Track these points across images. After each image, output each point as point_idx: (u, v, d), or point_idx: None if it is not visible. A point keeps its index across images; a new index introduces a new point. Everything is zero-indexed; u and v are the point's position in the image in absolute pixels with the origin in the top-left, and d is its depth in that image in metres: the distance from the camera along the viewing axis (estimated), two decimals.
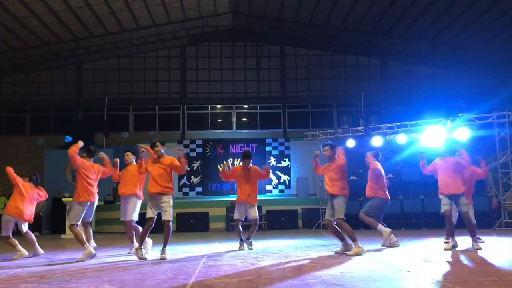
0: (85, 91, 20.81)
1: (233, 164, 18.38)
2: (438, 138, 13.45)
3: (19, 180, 7.35)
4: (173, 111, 20.87)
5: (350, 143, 14.87)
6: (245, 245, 7.50)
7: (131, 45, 20.37)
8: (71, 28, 17.70)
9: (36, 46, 18.76)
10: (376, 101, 20.06)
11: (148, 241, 6.85)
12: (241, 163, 7.95)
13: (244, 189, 7.71)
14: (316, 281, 4.08)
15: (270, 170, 8.40)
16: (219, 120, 21.29)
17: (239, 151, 18.87)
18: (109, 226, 14.75)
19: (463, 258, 5.82)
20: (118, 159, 7.47)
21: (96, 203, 6.96)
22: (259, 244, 8.13)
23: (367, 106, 17.98)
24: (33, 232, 15.24)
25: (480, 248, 6.59)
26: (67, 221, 13.02)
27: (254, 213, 7.74)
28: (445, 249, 6.65)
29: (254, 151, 18.72)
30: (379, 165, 7.88)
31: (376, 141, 14.22)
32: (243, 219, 7.75)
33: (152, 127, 20.65)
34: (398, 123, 14.41)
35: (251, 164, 7.89)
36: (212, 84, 21.13)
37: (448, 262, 5.48)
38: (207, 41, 21.15)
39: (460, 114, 13.41)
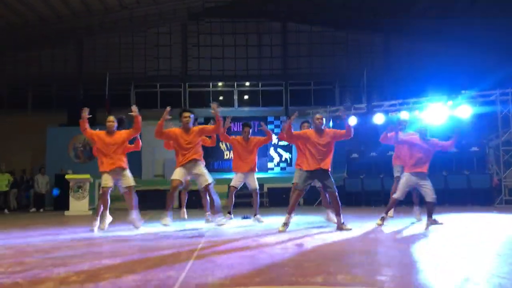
0: (86, 69, 20.69)
1: None
2: (440, 115, 13.43)
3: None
4: (175, 88, 20.78)
5: (352, 120, 14.85)
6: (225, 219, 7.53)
7: (131, 22, 20.15)
8: (71, 5, 17.49)
9: (36, 23, 18.58)
10: (378, 78, 19.93)
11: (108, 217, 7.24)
12: (241, 135, 8.07)
13: (244, 160, 7.81)
14: (317, 256, 4.13)
15: (273, 137, 8.54)
16: (220, 97, 21.20)
17: (240, 129, 18.86)
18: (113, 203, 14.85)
19: (463, 235, 5.87)
20: None
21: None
22: (253, 220, 8.17)
23: (369, 83, 17.88)
24: (37, 209, 15.46)
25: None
26: (70, 198, 13.16)
27: (254, 182, 7.86)
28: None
29: (255, 129, 18.69)
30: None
31: (378, 118, 14.19)
32: (238, 188, 7.86)
33: (153, 104, 20.59)
34: (400, 101, 14.36)
35: (251, 136, 8.05)
36: (213, 61, 20.99)
37: (448, 239, 5.53)
38: (208, 17, 20.90)
39: (462, 92, 13.34)
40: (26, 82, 20.57)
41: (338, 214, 6.47)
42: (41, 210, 15.51)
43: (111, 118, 7.20)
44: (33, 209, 15.37)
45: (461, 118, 13.16)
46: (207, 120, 19.11)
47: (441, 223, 6.75)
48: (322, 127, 6.67)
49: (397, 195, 6.95)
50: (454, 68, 19.10)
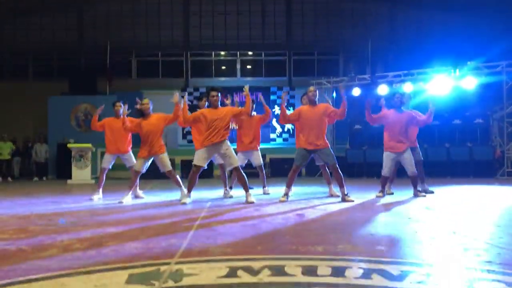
0: (87, 37, 20.47)
1: None
2: (445, 86, 13.32)
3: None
4: (177, 57, 20.59)
5: (356, 91, 14.75)
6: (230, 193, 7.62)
7: None
8: None
9: None
10: (383, 49, 19.67)
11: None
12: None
13: (246, 138, 7.80)
14: (318, 226, 4.16)
15: (271, 114, 8.27)
16: (223, 67, 21.02)
17: (243, 100, 18.77)
18: (116, 172, 14.96)
19: (464, 207, 5.90)
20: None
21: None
22: (262, 191, 8.23)
23: (374, 54, 17.65)
24: (40, 178, 15.56)
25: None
26: (72, 167, 13.23)
27: (258, 159, 7.94)
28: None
29: (258, 100, 18.63)
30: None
31: (382, 89, 14.08)
32: (243, 165, 7.90)
33: (155, 73, 20.44)
34: (405, 71, 14.20)
35: (254, 113, 7.98)
36: (215, 30, 20.70)
37: (449, 210, 5.56)
38: None
39: (468, 62, 13.18)
40: (26, 51, 20.39)
41: (341, 186, 6.50)
42: (44, 178, 15.63)
43: (146, 100, 6.88)
44: (36, 178, 15.47)
45: (465, 89, 13.06)
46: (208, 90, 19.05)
47: (424, 195, 6.96)
48: (315, 100, 6.60)
49: (384, 171, 7.07)
50: (460, 38, 18.79)
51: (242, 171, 6.54)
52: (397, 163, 7.23)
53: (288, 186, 6.70)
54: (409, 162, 6.90)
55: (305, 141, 6.52)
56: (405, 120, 6.93)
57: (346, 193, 6.46)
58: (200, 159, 6.43)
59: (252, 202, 6.21)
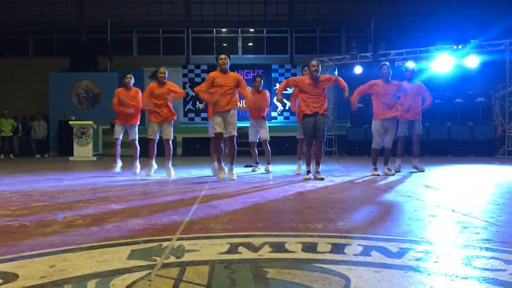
0: (88, 13, 20.24)
1: None
2: (447, 64, 13.23)
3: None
4: (178, 34, 20.38)
5: (358, 69, 14.66)
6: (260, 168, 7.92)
7: None
8: None
9: None
10: (385, 27, 19.45)
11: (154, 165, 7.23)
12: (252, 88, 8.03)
13: (257, 111, 7.84)
14: (318, 203, 4.19)
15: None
16: (224, 44, 20.83)
17: (245, 77, 18.67)
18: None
19: (463, 185, 5.93)
20: None
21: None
22: (263, 170, 8.26)
23: (376, 32, 17.46)
24: (41, 155, 15.61)
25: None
26: (74, 144, 13.26)
27: (266, 134, 8.09)
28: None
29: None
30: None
31: None
32: (256, 141, 7.97)
33: (156, 50, 20.28)
34: (407, 50, 14.08)
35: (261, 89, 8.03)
36: (217, 6, 20.44)
37: (449, 188, 5.58)
38: None
39: (472, 41, 13.05)
40: (26, 27, 20.19)
41: (317, 163, 6.50)
42: (46, 155, 15.68)
43: (163, 69, 7.18)
44: (38, 156, 15.52)
45: (467, 67, 12.97)
46: (210, 67, 18.92)
47: (393, 174, 7.05)
48: (317, 75, 6.53)
49: (373, 144, 7.24)
50: (463, 16, 18.53)
51: (235, 144, 6.52)
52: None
53: (308, 164, 6.73)
54: (391, 135, 7.12)
55: (308, 109, 6.49)
56: (393, 91, 7.09)
57: (318, 171, 6.48)
58: (216, 125, 6.42)
59: (233, 180, 6.23)
